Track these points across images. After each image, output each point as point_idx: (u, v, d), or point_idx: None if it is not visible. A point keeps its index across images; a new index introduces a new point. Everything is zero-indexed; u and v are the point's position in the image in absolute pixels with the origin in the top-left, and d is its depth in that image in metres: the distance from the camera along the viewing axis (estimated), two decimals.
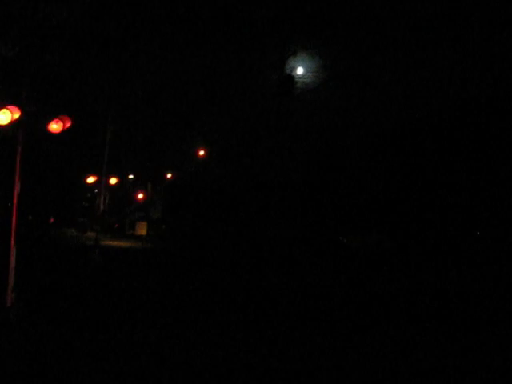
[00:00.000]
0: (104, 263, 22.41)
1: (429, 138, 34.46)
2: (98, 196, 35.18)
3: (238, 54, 35.66)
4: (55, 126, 11.32)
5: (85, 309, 11.61)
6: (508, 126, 31.54)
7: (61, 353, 8.28)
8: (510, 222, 30.00)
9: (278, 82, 32.32)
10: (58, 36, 11.72)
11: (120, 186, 52.75)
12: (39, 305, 11.45)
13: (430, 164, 34.41)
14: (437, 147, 34.17)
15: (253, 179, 43.72)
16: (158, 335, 9.60)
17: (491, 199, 31.58)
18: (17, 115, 10.46)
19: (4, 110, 10.26)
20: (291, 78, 31.95)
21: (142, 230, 59.16)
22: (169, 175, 54.01)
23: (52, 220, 49.74)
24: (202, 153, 46.74)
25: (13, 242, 10.44)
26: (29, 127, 10.93)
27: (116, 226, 68.06)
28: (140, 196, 58.21)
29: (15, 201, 10.68)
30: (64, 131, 11.49)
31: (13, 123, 10.40)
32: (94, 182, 33.07)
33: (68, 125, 11.49)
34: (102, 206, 31.49)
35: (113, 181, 32.58)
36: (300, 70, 32.65)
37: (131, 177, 59.43)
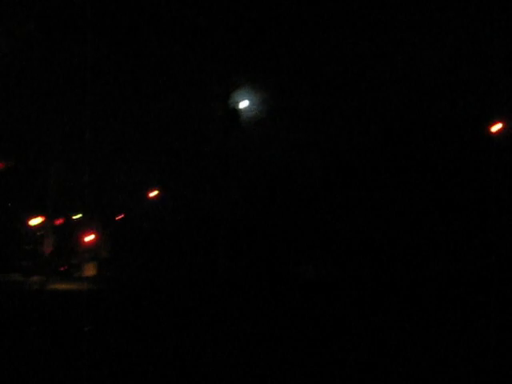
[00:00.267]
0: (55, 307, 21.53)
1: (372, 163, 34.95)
2: (42, 238, 34.13)
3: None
4: None
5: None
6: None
7: None
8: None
9: (223, 115, 32.33)
10: None
11: (64, 227, 51.58)
12: None
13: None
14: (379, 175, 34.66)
15: (198, 217, 43.48)
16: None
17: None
18: None
19: None
20: (236, 111, 32.03)
21: (90, 270, 57.64)
22: (119, 216, 53.58)
23: None
24: (152, 194, 46.75)
25: None
26: None
27: (63, 268, 66.17)
28: (91, 238, 56.94)
29: None
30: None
31: None
32: (39, 223, 32.14)
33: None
34: (47, 249, 30.54)
35: (58, 221, 31.71)
36: (244, 104, 32.79)
37: (77, 217, 58.23)
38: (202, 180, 40.65)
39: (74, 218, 58.81)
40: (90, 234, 58.55)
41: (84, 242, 61.73)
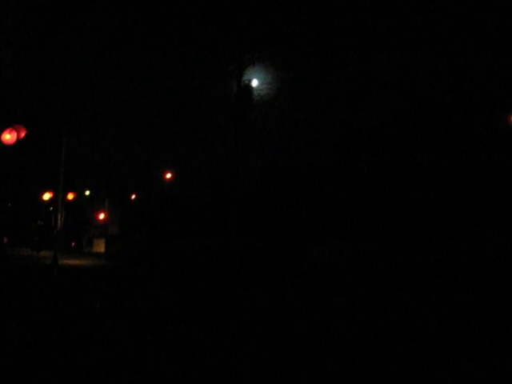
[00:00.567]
0: (64, 283, 21.59)
1: (387, 143, 34.68)
2: (53, 214, 34.23)
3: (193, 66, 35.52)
4: (8, 137, 10.72)
5: (46, 331, 10.99)
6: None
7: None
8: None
9: (236, 92, 32.13)
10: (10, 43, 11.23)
11: (76, 203, 51.80)
12: None
13: (388, 170, 34.58)
14: (395, 152, 34.36)
15: (211, 195, 43.59)
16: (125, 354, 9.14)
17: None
18: None
19: None
20: (249, 88, 31.83)
21: (99, 247, 57.83)
22: (133, 196, 54.27)
23: (6, 240, 48.22)
24: (169, 175, 47.09)
25: None
26: None
27: (73, 244, 66.55)
28: (101, 216, 57.25)
29: None
30: (19, 142, 10.90)
31: None
32: (50, 198, 32.20)
33: (23, 135, 10.90)
34: (59, 224, 30.60)
35: (70, 196, 31.79)
36: (255, 82, 32.64)
37: (88, 193, 58.52)
38: (215, 161, 40.62)
39: (86, 194, 59.06)
40: (101, 211, 58.81)
41: (94, 218, 62.04)
